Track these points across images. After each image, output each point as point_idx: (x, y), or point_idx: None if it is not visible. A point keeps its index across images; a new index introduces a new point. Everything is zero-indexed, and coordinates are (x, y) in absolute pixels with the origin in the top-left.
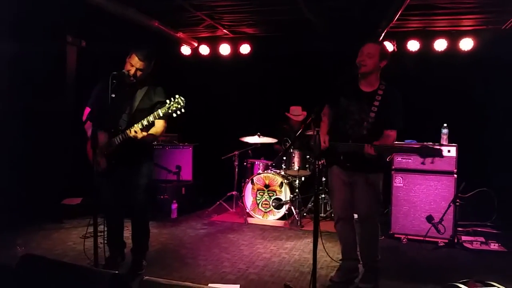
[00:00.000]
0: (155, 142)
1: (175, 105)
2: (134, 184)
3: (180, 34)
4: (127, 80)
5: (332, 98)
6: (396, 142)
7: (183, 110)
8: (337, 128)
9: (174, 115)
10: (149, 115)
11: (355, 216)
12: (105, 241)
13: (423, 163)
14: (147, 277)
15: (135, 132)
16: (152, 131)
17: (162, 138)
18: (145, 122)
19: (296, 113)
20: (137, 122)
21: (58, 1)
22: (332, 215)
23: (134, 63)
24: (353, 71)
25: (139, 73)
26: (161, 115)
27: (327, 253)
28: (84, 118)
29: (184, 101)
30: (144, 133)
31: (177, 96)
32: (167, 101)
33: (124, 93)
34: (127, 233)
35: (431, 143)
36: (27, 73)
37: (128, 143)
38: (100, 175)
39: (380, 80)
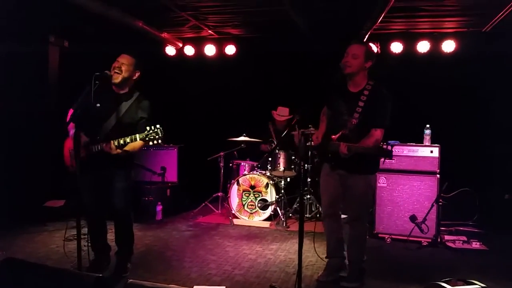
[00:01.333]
0: None
1: (153, 134)
2: (115, 188)
3: (164, 35)
4: (110, 81)
5: (328, 99)
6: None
7: (160, 141)
8: (329, 128)
9: (150, 143)
10: (130, 129)
11: (343, 216)
12: (89, 244)
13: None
14: (131, 280)
15: (110, 148)
16: (129, 147)
17: None
18: (121, 141)
19: (282, 113)
20: (116, 136)
21: (40, 1)
22: (318, 215)
23: (120, 59)
24: (341, 72)
25: (124, 67)
26: (137, 139)
27: (316, 252)
28: (68, 118)
29: (162, 133)
30: (118, 151)
31: (157, 126)
32: (147, 128)
33: (110, 101)
34: (112, 236)
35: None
36: (9, 73)
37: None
38: (80, 178)
39: (367, 80)
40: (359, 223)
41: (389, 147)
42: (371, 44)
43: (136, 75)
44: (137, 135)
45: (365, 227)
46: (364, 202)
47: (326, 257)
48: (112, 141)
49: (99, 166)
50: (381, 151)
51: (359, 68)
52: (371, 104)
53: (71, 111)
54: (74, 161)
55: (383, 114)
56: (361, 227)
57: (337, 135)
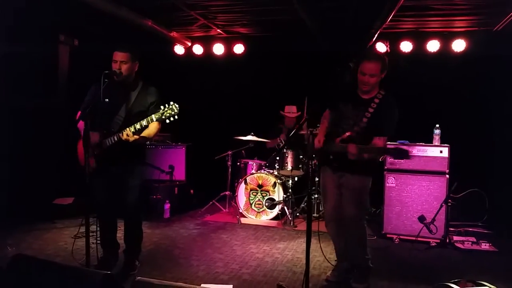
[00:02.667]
0: (148, 142)
1: (169, 111)
2: (126, 185)
3: (173, 34)
4: (118, 78)
5: (333, 103)
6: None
7: (176, 117)
8: (333, 131)
9: (167, 121)
10: (142, 117)
11: None
12: (98, 241)
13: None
14: (139, 277)
15: (127, 135)
16: (145, 133)
17: (155, 138)
18: (137, 126)
19: (291, 111)
20: (130, 125)
21: (50, 0)
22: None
23: (117, 58)
24: (350, 77)
25: (124, 66)
26: (154, 120)
27: (323, 254)
28: (77, 117)
29: (178, 108)
30: (136, 137)
31: (171, 102)
32: (161, 107)
33: (117, 94)
34: (120, 234)
35: (421, 143)
36: (19, 72)
37: (120, 144)
38: (92, 175)
39: (378, 88)
40: (356, 223)
41: (404, 147)
42: (384, 57)
43: (136, 66)
44: (153, 116)
45: (362, 229)
46: (361, 202)
47: (335, 260)
48: (128, 128)
49: (113, 162)
50: (398, 151)
51: (377, 82)
52: (380, 113)
53: (79, 113)
54: (86, 160)
55: (389, 124)
56: (358, 227)
57: (342, 137)
